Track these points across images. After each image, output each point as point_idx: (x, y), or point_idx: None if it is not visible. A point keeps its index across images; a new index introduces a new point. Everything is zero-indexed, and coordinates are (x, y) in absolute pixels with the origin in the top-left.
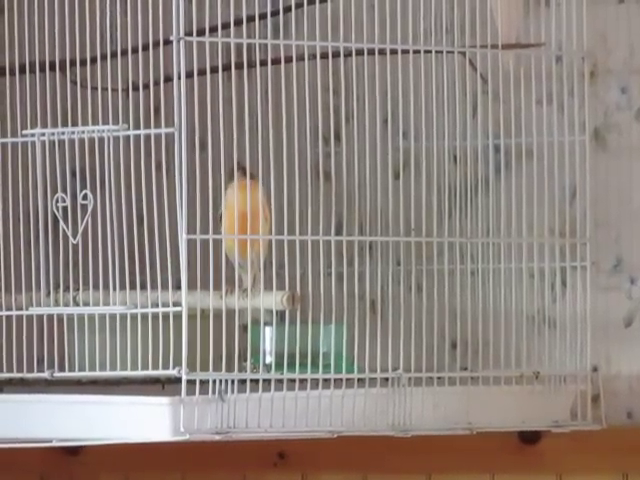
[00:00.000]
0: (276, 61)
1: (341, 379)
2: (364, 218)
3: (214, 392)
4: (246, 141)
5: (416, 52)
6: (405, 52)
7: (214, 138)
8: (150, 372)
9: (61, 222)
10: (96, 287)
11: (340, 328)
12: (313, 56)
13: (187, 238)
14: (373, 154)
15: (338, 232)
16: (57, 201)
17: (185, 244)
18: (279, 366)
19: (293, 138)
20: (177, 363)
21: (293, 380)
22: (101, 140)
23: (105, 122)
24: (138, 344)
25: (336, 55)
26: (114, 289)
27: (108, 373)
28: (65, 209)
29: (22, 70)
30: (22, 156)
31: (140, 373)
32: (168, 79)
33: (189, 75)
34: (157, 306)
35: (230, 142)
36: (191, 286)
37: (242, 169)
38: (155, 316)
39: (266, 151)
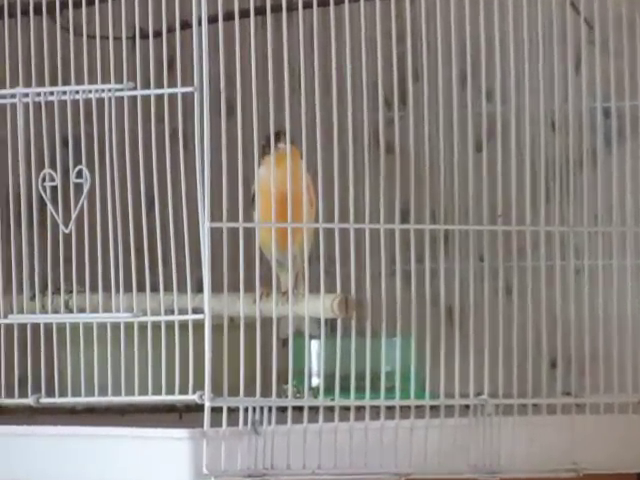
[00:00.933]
0: (323, 2)
1: (409, 407)
2: (437, 201)
3: (246, 423)
4: (285, 103)
5: None
6: None
7: (244, 99)
8: (164, 397)
9: (49, 206)
10: (94, 289)
11: (407, 342)
12: None
13: (210, 227)
14: (448, 120)
15: (404, 219)
16: (44, 179)
17: (208, 234)
18: (329, 390)
19: (345, 100)
20: (198, 386)
21: (347, 408)
22: (100, 102)
23: (106, 80)
24: (148, 362)
25: None
26: (117, 291)
27: (110, 399)
28: (54, 190)
29: None
30: None
31: (151, 399)
32: (186, 25)
33: (212, 20)
34: (172, 313)
35: (265, 105)
36: (216, 288)
37: (280, 138)
38: (170, 326)
39: (311, 116)
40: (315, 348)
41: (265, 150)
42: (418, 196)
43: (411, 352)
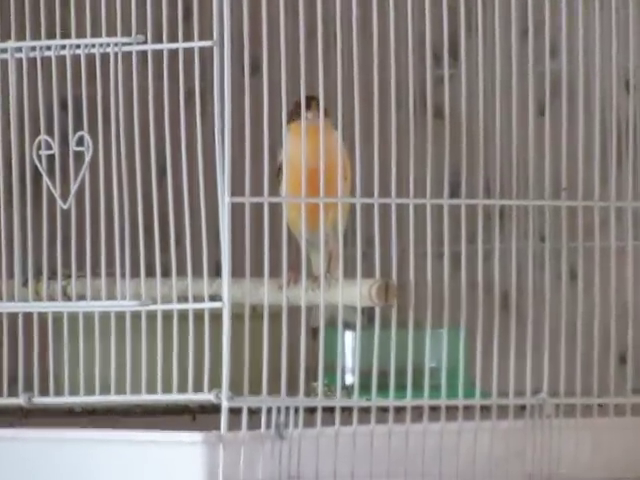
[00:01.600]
0: None
1: (457, 407)
2: (492, 173)
3: (269, 426)
4: (318, 61)
5: None
6: None
7: (272, 57)
8: (176, 397)
9: (45, 178)
10: (96, 274)
11: (456, 334)
12: None
13: (231, 202)
14: (506, 79)
15: (454, 193)
16: (39, 147)
17: (228, 211)
18: (365, 388)
19: (388, 56)
20: (215, 384)
21: (386, 409)
22: (105, 58)
23: (111, 33)
24: (158, 356)
25: None
26: (123, 276)
27: (113, 398)
28: (51, 159)
29: None
30: None
31: (161, 398)
32: None
33: None
34: (186, 301)
35: (295, 62)
36: (237, 272)
37: (312, 102)
38: (183, 315)
39: (347, 76)
40: (350, 341)
41: (294, 116)
42: (470, 167)
43: (460, 345)
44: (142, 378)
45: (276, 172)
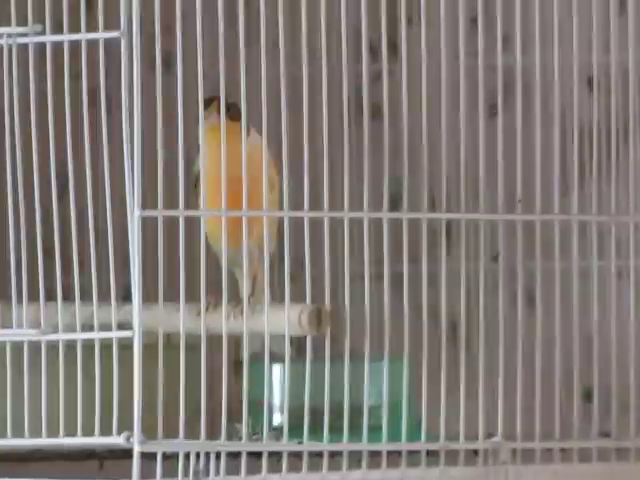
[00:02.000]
0: None
1: (399, 452)
2: (438, 183)
3: (187, 473)
4: (240, 55)
5: None
6: None
7: (187, 51)
8: (80, 440)
9: None
10: None
11: (398, 367)
12: None
13: (141, 216)
14: (452, 75)
15: (394, 206)
16: None
17: (138, 226)
18: (296, 430)
19: (318, 48)
20: (125, 425)
21: (319, 454)
22: None
23: (5, 22)
24: (60, 393)
25: None
26: (19, 301)
27: (8, 442)
28: None
29: None
30: None
31: (64, 441)
32: None
33: None
34: (92, 329)
35: (213, 56)
36: (149, 297)
37: (212, 101)
38: (88, 346)
39: (272, 72)
40: (278, 375)
41: (212, 116)
42: (413, 175)
43: (403, 380)
44: (42, 418)
45: (193, 182)
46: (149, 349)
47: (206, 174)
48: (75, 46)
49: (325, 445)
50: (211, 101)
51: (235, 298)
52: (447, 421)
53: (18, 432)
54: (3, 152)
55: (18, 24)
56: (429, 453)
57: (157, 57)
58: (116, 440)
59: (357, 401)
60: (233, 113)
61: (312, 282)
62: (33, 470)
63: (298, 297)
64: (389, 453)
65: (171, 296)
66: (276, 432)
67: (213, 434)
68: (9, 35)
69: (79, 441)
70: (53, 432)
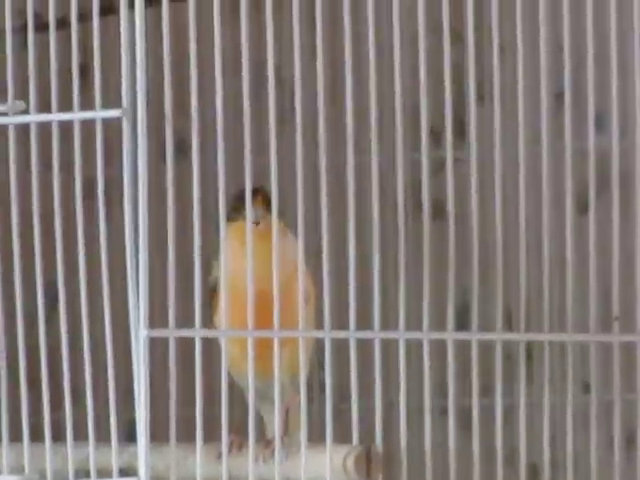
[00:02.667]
0: None
1: None
2: (515, 297)
3: None
4: (271, 139)
5: None
6: None
7: (204, 134)
8: None
9: None
10: None
11: None
12: None
13: (149, 336)
14: (533, 164)
15: (462, 324)
16: None
17: (145, 349)
18: None
19: (367, 133)
20: None
21: None
22: None
23: None
24: None
25: None
26: None
27: None
28: None
29: None
30: None
31: None
32: (109, 10)
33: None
34: (88, 477)
35: (237, 142)
36: (158, 436)
37: (257, 195)
38: None
39: (310, 160)
40: None
41: (234, 214)
42: (485, 286)
43: None
44: None
45: (210, 294)
46: None
47: (229, 284)
48: (66, 127)
49: None
50: (254, 193)
51: (262, 439)
52: None
53: None
54: None
55: None
56: None
57: (168, 141)
58: None
59: None
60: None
61: (360, 418)
62: None
63: (343, 437)
64: None
65: (185, 435)
66: None
67: None
68: None
69: None
70: None
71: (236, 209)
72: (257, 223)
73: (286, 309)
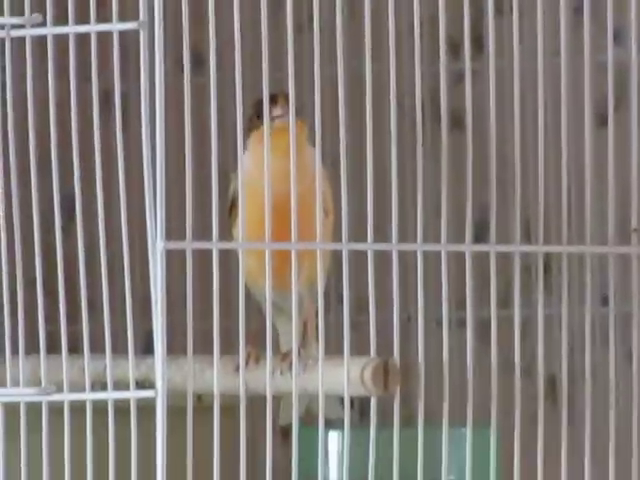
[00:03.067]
0: None
1: None
2: (534, 208)
3: None
4: (288, 49)
5: None
6: None
7: (221, 45)
8: None
9: None
10: None
11: (484, 435)
12: None
13: (165, 249)
14: (552, 76)
15: (480, 237)
16: None
17: (162, 261)
18: None
19: (385, 45)
20: None
21: None
22: None
23: None
24: (65, 467)
25: None
26: (14, 354)
27: None
28: None
29: None
30: None
31: None
32: None
33: None
34: (104, 388)
35: (254, 53)
36: (175, 348)
37: (278, 97)
38: (100, 408)
39: (328, 71)
40: (335, 444)
41: (255, 122)
42: (503, 199)
43: (490, 451)
44: None
45: (228, 207)
46: (175, 412)
47: (247, 194)
48: (83, 40)
49: None
50: (274, 97)
51: (279, 351)
52: None
53: None
54: None
55: (14, 13)
56: None
57: (185, 53)
58: None
59: (433, 476)
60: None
61: (378, 330)
62: None
63: (360, 349)
64: None
65: (202, 347)
66: None
67: None
68: (2, 26)
69: None
70: None
71: (257, 115)
72: (278, 117)
73: (305, 221)
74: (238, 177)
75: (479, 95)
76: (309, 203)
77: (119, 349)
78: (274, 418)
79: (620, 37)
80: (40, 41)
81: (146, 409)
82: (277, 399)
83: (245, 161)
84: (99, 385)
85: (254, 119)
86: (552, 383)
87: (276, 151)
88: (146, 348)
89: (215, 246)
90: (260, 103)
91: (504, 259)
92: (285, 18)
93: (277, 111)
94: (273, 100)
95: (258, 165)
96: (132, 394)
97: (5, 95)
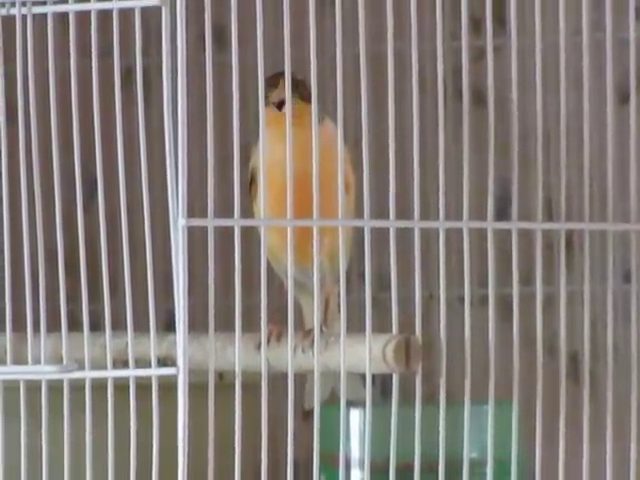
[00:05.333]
0: None
1: None
2: (556, 186)
3: None
4: (310, 27)
5: None
6: None
7: (243, 23)
8: None
9: None
10: None
11: (506, 411)
12: None
13: (187, 226)
14: (574, 52)
15: (501, 214)
16: None
17: (184, 239)
18: None
19: (406, 21)
20: None
21: None
22: (8, 22)
23: None
24: (86, 443)
25: None
26: (36, 332)
27: None
28: None
29: None
30: None
31: None
32: None
33: None
34: (126, 366)
35: (276, 31)
36: (196, 326)
37: (279, 80)
38: (122, 386)
39: (350, 49)
40: (357, 422)
41: (266, 101)
42: (525, 176)
43: (512, 428)
44: (64, 474)
45: (249, 184)
46: (197, 390)
47: (267, 172)
48: (105, 17)
49: None
50: (277, 78)
51: (301, 329)
52: (567, 478)
53: None
54: (16, 148)
55: None
56: None
57: (207, 30)
58: None
59: (455, 454)
60: (303, 93)
61: (400, 307)
62: None
63: (382, 326)
64: None
65: (224, 325)
66: None
67: None
68: (23, 3)
69: None
70: None
71: (266, 95)
72: (279, 106)
73: (326, 198)
74: (257, 152)
75: (501, 72)
76: (330, 180)
77: (140, 327)
78: (296, 396)
79: None
80: (62, 18)
81: (167, 387)
82: (300, 380)
83: (267, 139)
84: (120, 363)
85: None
86: (574, 360)
87: (298, 133)
88: (168, 326)
89: (237, 223)
90: (271, 78)
91: (526, 236)
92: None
93: (274, 98)
94: (274, 84)
95: (275, 143)
96: (154, 372)
97: (27, 72)
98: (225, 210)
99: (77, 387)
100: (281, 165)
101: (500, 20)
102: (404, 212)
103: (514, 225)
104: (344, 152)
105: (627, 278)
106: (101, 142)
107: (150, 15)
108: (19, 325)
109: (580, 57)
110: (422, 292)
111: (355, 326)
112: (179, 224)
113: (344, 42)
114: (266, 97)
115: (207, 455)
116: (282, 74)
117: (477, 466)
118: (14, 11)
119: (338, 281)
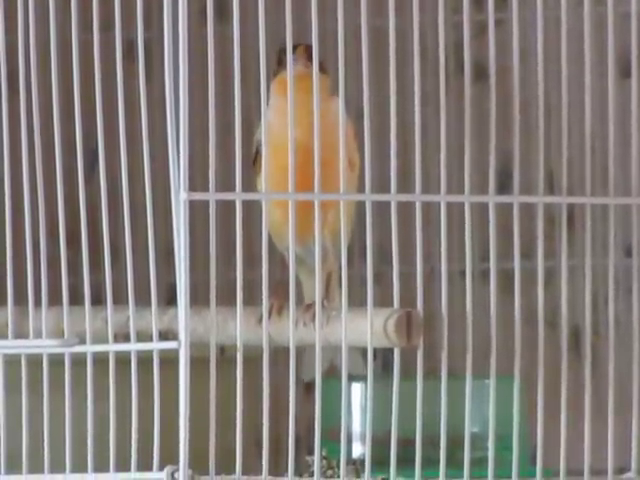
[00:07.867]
0: None
1: None
2: (557, 160)
3: None
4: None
5: None
6: None
7: (245, 1)
8: (112, 476)
9: None
10: None
11: (507, 386)
12: None
13: (189, 199)
14: (575, 25)
15: (503, 188)
16: None
17: (185, 212)
18: (380, 464)
19: None
20: (168, 459)
21: None
22: None
23: None
24: (88, 417)
25: None
26: (37, 305)
27: (24, 479)
28: None
29: None
30: None
31: (91, 478)
32: None
33: None
34: (127, 340)
35: (278, 2)
36: (198, 300)
37: (298, 47)
38: (123, 360)
39: (352, 22)
40: (358, 396)
41: (278, 69)
42: (526, 150)
43: (513, 403)
44: (66, 448)
45: (252, 158)
46: (198, 364)
47: (275, 144)
48: None
49: None
50: (295, 47)
51: (302, 303)
52: (568, 452)
53: (36, 466)
54: (17, 120)
55: None
56: None
57: (208, 2)
58: (157, 476)
59: (456, 429)
60: (322, 64)
61: (401, 282)
62: None
63: (383, 300)
64: None
65: (226, 299)
66: (355, 466)
67: (278, 469)
68: None
69: (111, 478)
70: (78, 466)
71: (279, 62)
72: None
73: (329, 172)
74: (262, 126)
75: (502, 46)
76: (334, 155)
77: (142, 300)
78: (297, 370)
79: None
80: None
81: (169, 360)
82: (300, 353)
83: (268, 110)
84: (122, 336)
85: (276, 66)
86: (576, 334)
87: (298, 98)
88: (169, 299)
89: (238, 197)
90: (282, 51)
91: (527, 210)
92: None
93: (296, 61)
94: (293, 51)
95: (281, 113)
96: (155, 345)
97: (29, 44)
98: (226, 184)
99: (78, 361)
100: (286, 138)
101: None
102: (405, 186)
103: (515, 199)
104: (350, 129)
105: (628, 252)
106: (103, 114)
107: None
108: (20, 298)
109: (582, 31)
110: (423, 266)
111: (357, 300)
112: (180, 198)
113: (345, 15)
114: (280, 64)
115: (208, 428)
116: (300, 44)
117: (478, 440)
118: None
119: (340, 257)
